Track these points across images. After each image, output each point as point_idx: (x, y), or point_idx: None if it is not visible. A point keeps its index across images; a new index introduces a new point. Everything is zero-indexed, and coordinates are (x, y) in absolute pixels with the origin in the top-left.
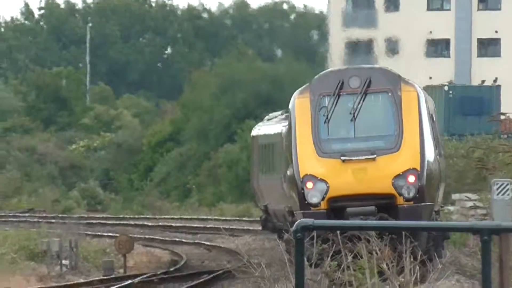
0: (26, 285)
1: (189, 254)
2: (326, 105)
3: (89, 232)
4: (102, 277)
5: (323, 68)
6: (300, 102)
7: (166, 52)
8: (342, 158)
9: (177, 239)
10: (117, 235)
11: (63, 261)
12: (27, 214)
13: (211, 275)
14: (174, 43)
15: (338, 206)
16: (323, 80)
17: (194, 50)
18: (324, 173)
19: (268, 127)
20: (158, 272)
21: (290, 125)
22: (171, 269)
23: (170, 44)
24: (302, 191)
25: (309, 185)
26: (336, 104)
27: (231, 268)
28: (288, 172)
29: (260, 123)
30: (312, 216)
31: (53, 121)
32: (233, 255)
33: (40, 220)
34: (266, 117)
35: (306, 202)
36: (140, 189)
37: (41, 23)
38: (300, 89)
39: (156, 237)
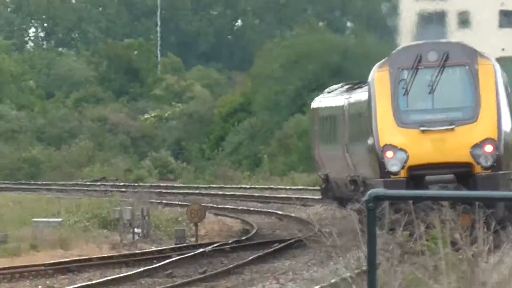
0: (99, 252)
1: (260, 223)
2: (405, 78)
3: (161, 201)
4: (173, 246)
5: (393, 40)
6: (379, 75)
7: (236, 24)
8: (421, 128)
9: (248, 208)
10: (189, 204)
11: (135, 230)
12: (99, 183)
13: (282, 244)
14: (244, 15)
15: (417, 174)
16: (402, 54)
17: (264, 22)
18: (404, 143)
19: (329, 99)
20: (230, 241)
21: (369, 97)
22: (242, 238)
23: (240, 17)
24: (382, 160)
25: (389, 154)
26: (415, 77)
27: (302, 237)
28: (369, 142)
29: (320, 96)
30: (392, 184)
31: (125, 91)
32: (304, 224)
33: (112, 189)
34: (327, 90)
35: (386, 170)
36: (211, 158)
37: None
38: (379, 63)
39: (228, 206)
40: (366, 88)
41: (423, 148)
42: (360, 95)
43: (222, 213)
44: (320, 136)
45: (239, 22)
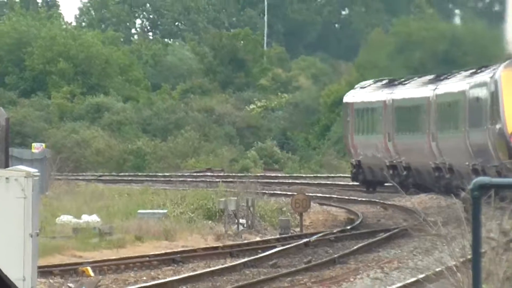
0: (204, 243)
1: (365, 213)
2: None
3: (266, 191)
4: (278, 236)
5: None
6: (506, 74)
7: (344, 12)
8: None
9: (353, 198)
10: (294, 194)
11: (240, 220)
12: (205, 174)
13: (387, 233)
14: (351, 3)
15: None
16: None
17: (371, 10)
18: None
19: (364, 94)
20: (334, 231)
21: (496, 91)
22: (347, 228)
23: (347, 4)
24: (510, 145)
25: None
26: None
27: (407, 226)
28: (497, 129)
29: (352, 91)
30: None
31: (230, 82)
32: (409, 214)
33: (218, 179)
34: (359, 85)
35: None
36: (317, 148)
37: None
38: (505, 63)
39: (333, 196)
40: (453, 80)
41: None
42: (447, 86)
43: (327, 203)
44: (354, 127)
45: (346, 11)
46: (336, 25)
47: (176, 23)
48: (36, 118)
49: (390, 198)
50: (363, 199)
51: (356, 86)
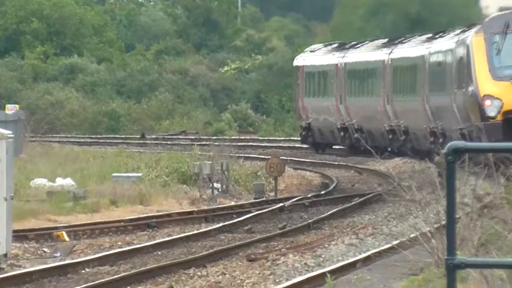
0: (179, 208)
1: (340, 177)
2: (497, 41)
3: (241, 155)
4: (253, 200)
5: None
6: (476, 40)
7: None
8: None
9: (327, 162)
10: (269, 157)
11: (215, 184)
12: (179, 137)
13: (362, 198)
14: None
15: (510, 118)
16: (493, 22)
17: None
18: (499, 93)
19: (315, 57)
20: (309, 195)
21: (468, 57)
22: (322, 192)
23: None
24: (483, 107)
25: (488, 102)
26: (504, 40)
27: (382, 192)
28: (470, 92)
29: (302, 54)
30: (491, 127)
31: (204, 43)
32: (384, 178)
33: (192, 142)
34: (308, 49)
35: (486, 115)
36: (291, 110)
37: None
38: (474, 29)
39: (307, 160)
40: (409, 44)
41: None
42: (404, 51)
43: (302, 167)
44: (305, 90)
45: None
46: None
47: None
48: (9, 78)
49: (364, 162)
50: (338, 163)
51: (306, 49)
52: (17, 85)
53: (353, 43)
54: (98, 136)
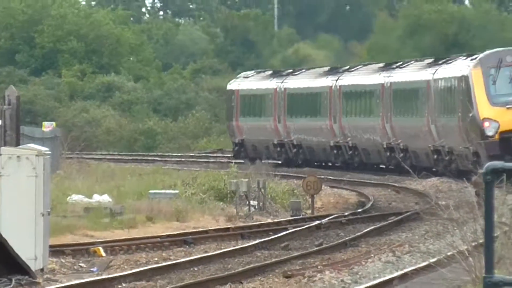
0: (215, 224)
1: (376, 196)
2: (492, 73)
3: (277, 173)
4: (289, 218)
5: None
6: (475, 72)
7: None
8: (507, 106)
9: (364, 181)
10: (305, 176)
11: (251, 202)
12: (216, 155)
13: (399, 217)
14: None
15: (505, 137)
16: (489, 57)
17: None
18: (496, 116)
19: (249, 83)
20: (346, 213)
21: (468, 86)
22: (359, 210)
23: None
24: (482, 128)
25: (487, 124)
26: (498, 73)
27: (419, 210)
28: (470, 116)
29: (236, 80)
30: (489, 145)
31: (241, 63)
32: (421, 197)
33: (229, 161)
34: (242, 75)
35: (485, 135)
36: None
37: None
38: (473, 63)
39: (344, 179)
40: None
41: (509, 119)
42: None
43: (338, 185)
44: (241, 111)
45: None
46: (347, 7)
47: (188, 2)
48: (46, 96)
49: (401, 181)
50: (375, 182)
51: (238, 76)
52: (54, 103)
53: (287, 70)
54: (135, 153)
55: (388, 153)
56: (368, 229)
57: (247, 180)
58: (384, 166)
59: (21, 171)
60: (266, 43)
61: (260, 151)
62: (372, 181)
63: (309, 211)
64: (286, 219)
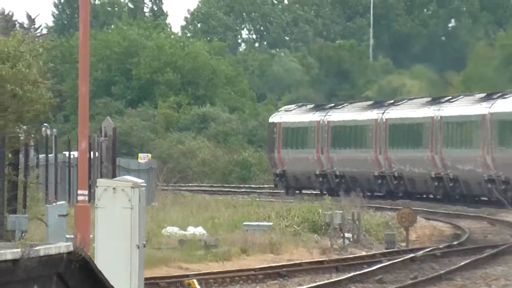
0: (309, 257)
1: (472, 228)
2: None
3: (372, 205)
4: (384, 250)
5: None
6: None
7: (450, 24)
8: None
9: (459, 213)
10: (400, 208)
11: (346, 234)
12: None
13: (495, 250)
14: (458, 15)
15: None
16: None
17: (478, 22)
18: None
19: (291, 116)
20: (441, 246)
21: None
22: (454, 243)
23: (454, 16)
24: None
25: None
26: None
27: None
28: None
29: (278, 113)
30: None
31: (335, 94)
32: None
33: (324, 192)
34: (283, 109)
35: None
36: None
37: None
38: None
39: (439, 211)
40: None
41: None
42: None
43: (434, 217)
44: (283, 143)
45: (453, 22)
46: (443, 38)
47: (283, 33)
48: (142, 128)
49: (497, 214)
50: (470, 214)
51: (280, 109)
52: (150, 135)
53: (329, 104)
54: (230, 185)
55: (436, 183)
56: (463, 262)
57: (341, 212)
58: (432, 196)
59: (116, 203)
60: (360, 73)
61: (301, 181)
62: (467, 214)
63: (403, 244)
64: (381, 251)
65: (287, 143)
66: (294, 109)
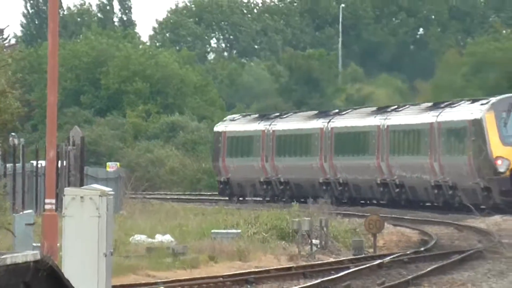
0: (277, 264)
1: (439, 234)
2: (504, 116)
3: (339, 212)
4: (352, 257)
5: None
6: (488, 116)
7: (419, 33)
8: None
9: (427, 219)
10: (367, 214)
11: (314, 241)
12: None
13: (461, 255)
14: (427, 24)
15: None
16: (500, 102)
17: (447, 31)
18: (507, 155)
19: (236, 125)
20: (408, 252)
21: (482, 128)
22: (421, 249)
23: (423, 25)
24: (495, 165)
25: (499, 162)
26: (509, 116)
27: (482, 248)
28: (483, 155)
29: (223, 122)
30: (500, 180)
31: (305, 102)
32: (484, 235)
33: (292, 199)
34: (228, 118)
35: (498, 171)
36: None
37: (295, 4)
38: (486, 108)
39: (406, 217)
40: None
41: None
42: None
43: (401, 224)
44: (228, 151)
45: (421, 31)
46: (411, 46)
47: (253, 42)
48: (111, 137)
49: (464, 220)
50: (437, 220)
51: (225, 119)
52: (118, 143)
53: (275, 113)
54: (198, 193)
55: (381, 188)
56: (431, 267)
57: (309, 219)
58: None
59: (84, 211)
60: (330, 82)
61: (245, 189)
62: (434, 219)
63: (371, 250)
64: (348, 258)
65: (232, 152)
66: (238, 118)
